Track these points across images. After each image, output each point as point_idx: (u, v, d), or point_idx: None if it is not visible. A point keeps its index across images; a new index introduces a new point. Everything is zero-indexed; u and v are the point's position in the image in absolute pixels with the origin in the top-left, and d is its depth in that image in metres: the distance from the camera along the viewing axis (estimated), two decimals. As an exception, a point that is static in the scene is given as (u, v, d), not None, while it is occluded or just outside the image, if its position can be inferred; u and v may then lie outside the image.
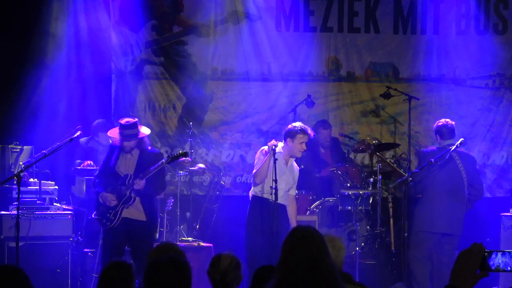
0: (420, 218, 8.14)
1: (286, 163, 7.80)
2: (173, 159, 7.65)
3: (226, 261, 4.66)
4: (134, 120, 7.70)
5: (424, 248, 8.11)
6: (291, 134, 7.76)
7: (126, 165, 7.61)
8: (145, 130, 7.76)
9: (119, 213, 7.55)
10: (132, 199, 7.55)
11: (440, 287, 7.46)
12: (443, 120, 8.34)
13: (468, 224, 8.64)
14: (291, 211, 7.93)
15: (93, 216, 7.88)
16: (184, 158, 9.21)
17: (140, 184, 7.45)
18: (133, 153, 7.63)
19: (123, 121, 7.65)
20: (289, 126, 7.89)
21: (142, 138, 7.65)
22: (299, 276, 3.44)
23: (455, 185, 8.08)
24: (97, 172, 7.86)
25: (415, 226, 8.15)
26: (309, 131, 7.81)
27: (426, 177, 8.06)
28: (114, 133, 7.72)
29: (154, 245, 5.05)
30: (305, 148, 7.75)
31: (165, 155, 10.29)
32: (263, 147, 7.95)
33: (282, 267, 3.52)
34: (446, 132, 8.17)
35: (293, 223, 7.94)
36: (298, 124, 7.86)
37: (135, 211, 7.59)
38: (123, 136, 7.56)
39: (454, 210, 8.07)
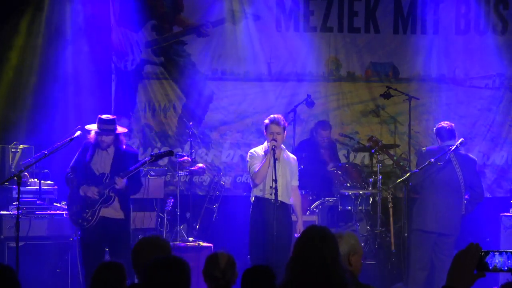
0: (417, 217, 8.15)
1: (277, 158, 7.75)
2: (158, 157, 7.62)
3: (224, 258, 4.67)
4: (113, 117, 7.72)
5: (422, 247, 8.10)
6: (265, 128, 7.80)
7: (102, 163, 7.56)
8: (121, 129, 7.76)
9: (97, 212, 7.46)
10: (112, 199, 7.49)
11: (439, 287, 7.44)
12: (442, 122, 8.33)
13: (468, 224, 8.64)
14: (296, 201, 7.94)
15: (64, 215, 7.80)
16: (185, 159, 9.24)
17: (121, 183, 7.40)
18: (108, 151, 7.58)
19: (103, 116, 7.64)
20: None
21: (118, 136, 7.63)
22: (309, 276, 3.43)
23: (451, 186, 8.06)
24: (70, 168, 7.70)
25: (412, 225, 8.16)
26: (273, 116, 7.78)
27: (424, 177, 8.05)
28: (91, 128, 7.64)
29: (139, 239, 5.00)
30: (274, 136, 7.65)
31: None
32: (251, 150, 7.95)
33: (293, 266, 3.51)
34: (445, 134, 8.17)
35: (299, 214, 7.97)
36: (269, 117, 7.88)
37: (113, 210, 7.54)
38: (101, 130, 7.52)
39: (450, 210, 8.05)
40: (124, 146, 7.74)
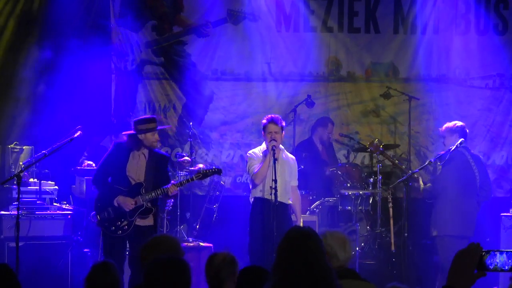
0: (443, 222, 7.96)
1: (277, 158, 7.73)
2: (205, 175, 7.54)
3: (219, 258, 4.68)
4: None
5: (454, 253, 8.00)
6: (263, 129, 7.79)
7: (137, 168, 7.36)
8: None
9: (133, 222, 7.31)
10: (153, 211, 7.36)
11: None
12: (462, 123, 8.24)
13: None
14: (295, 202, 7.93)
15: (92, 219, 7.69)
16: (185, 159, 9.24)
17: (175, 190, 7.32)
18: (144, 153, 7.40)
19: (147, 115, 7.58)
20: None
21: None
22: (294, 277, 3.44)
23: (471, 188, 8.03)
24: (100, 170, 7.47)
25: (440, 231, 7.98)
26: (270, 116, 7.78)
27: (447, 181, 7.95)
28: (142, 128, 7.35)
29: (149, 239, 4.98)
30: (273, 136, 7.63)
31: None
32: (250, 151, 7.95)
33: (278, 268, 3.51)
34: (464, 134, 8.09)
35: (299, 214, 7.96)
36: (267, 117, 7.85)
37: (147, 217, 7.42)
38: (152, 130, 7.36)
39: (470, 212, 8.03)
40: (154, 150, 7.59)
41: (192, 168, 9.40)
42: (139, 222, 7.38)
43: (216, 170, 7.64)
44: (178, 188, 7.42)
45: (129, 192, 7.33)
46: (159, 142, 7.67)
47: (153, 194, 7.31)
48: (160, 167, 7.44)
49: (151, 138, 7.37)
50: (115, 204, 7.30)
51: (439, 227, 8.06)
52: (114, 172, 7.38)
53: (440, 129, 8.34)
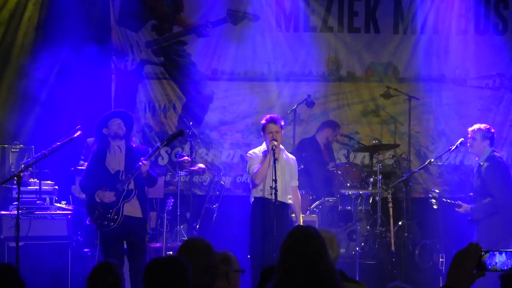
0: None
1: (277, 158, 7.72)
2: (169, 140, 7.62)
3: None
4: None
5: None
6: (262, 129, 7.79)
7: (115, 161, 7.55)
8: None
9: (121, 210, 7.45)
10: (134, 192, 7.47)
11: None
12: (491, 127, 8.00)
13: (467, 224, 8.62)
14: (295, 202, 7.93)
15: (87, 222, 7.76)
16: (185, 159, 9.23)
17: (146, 164, 7.38)
18: (120, 148, 7.56)
19: (116, 109, 7.77)
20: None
21: (129, 132, 7.69)
22: (297, 276, 3.44)
23: None
24: (83, 176, 7.69)
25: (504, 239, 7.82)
26: (269, 116, 7.78)
27: (506, 189, 7.78)
28: (101, 121, 7.65)
29: (183, 241, 4.96)
30: (274, 136, 7.63)
31: (166, 155, 10.38)
32: (250, 151, 7.94)
33: (281, 267, 3.52)
34: (493, 140, 7.92)
35: (298, 214, 7.95)
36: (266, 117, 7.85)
37: (133, 208, 7.52)
38: (131, 123, 7.65)
39: None
40: (134, 145, 7.79)
41: (192, 168, 9.41)
42: (127, 211, 7.48)
43: (178, 132, 7.71)
44: (150, 161, 7.48)
45: (110, 181, 7.47)
46: (159, 140, 7.74)
47: (129, 175, 7.44)
48: (138, 157, 7.52)
49: (114, 127, 7.54)
50: (97, 200, 7.47)
51: (503, 236, 7.78)
52: (98, 172, 7.56)
53: (470, 129, 7.92)
